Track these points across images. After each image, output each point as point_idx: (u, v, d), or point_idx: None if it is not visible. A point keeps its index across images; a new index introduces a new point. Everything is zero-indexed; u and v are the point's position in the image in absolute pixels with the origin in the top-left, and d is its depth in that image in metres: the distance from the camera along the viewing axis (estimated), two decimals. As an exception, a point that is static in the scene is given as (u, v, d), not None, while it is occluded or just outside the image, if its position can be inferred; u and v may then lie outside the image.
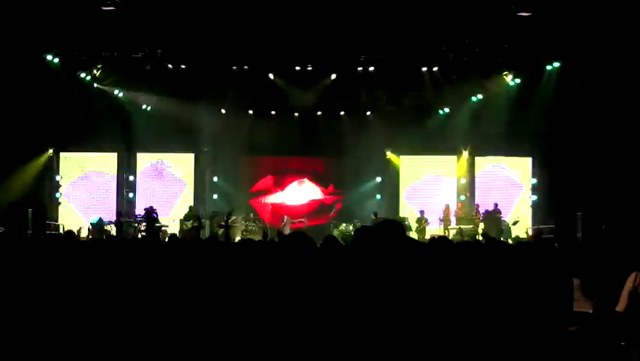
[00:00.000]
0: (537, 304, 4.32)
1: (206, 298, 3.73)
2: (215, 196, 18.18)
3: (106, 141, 16.88)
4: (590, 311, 5.04)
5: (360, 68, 16.00)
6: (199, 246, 5.43)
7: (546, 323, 4.28)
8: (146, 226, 14.44)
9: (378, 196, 18.25)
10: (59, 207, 17.10)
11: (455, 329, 2.91)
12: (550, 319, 4.40)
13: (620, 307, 4.77)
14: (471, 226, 15.62)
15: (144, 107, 17.24)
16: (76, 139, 16.52)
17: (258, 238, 11.99)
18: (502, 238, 12.92)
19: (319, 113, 17.84)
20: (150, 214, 14.76)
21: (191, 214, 16.32)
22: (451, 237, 14.26)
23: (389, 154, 18.40)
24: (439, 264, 3.84)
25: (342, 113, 17.99)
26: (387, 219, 3.36)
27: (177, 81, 16.38)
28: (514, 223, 15.83)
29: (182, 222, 16.17)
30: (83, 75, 15.23)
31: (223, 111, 17.51)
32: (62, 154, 17.29)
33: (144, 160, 17.96)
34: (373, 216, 16.05)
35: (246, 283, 3.68)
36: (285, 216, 16.69)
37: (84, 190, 17.37)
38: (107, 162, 17.67)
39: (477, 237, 14.15)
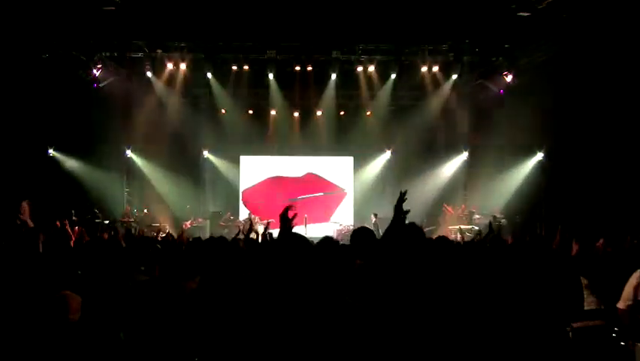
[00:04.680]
0: (541, 303, 4.29)
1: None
2: (214, 196, 18.19)
3: (106, 141, 16.86)
4: (602, 308, 4.96)
5: (360, 69, 15.99)
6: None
7: (551, 322, 4.26)
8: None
9: (379, 196, 18.26)
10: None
11: (455, 329, 2.90)
12: (556, 317, 4.37)
13: (622, 304, 4.65)
14: (470, 226, 15.61)
15: (144, 106, 17.26)
16: (76, 139, 16.49)
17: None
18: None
19: (319, 113, 17.85)
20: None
21: (190, 215, 16.37)
22: (451, 237, 14.26)
23: (388, 154, 18.42)
24: (438, 264, 3.83)
25: (342, 113, 18.00)
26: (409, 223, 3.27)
27: (177, 81, 16.40)
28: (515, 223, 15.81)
29: (182, 222, 16.21)
30: (83, 75, 15.21)
31: (223, 111, 17.51)
32: (63, 154, 17.27)
33: (144, 160, 17.97)
34: (373, 217, 15.99)
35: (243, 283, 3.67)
36: (256, 217, 16.57)
37: (84, 190, 17.37)
38: (107, 161, 17.67)
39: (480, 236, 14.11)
